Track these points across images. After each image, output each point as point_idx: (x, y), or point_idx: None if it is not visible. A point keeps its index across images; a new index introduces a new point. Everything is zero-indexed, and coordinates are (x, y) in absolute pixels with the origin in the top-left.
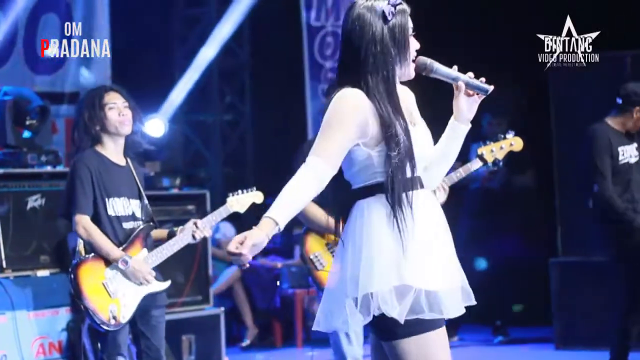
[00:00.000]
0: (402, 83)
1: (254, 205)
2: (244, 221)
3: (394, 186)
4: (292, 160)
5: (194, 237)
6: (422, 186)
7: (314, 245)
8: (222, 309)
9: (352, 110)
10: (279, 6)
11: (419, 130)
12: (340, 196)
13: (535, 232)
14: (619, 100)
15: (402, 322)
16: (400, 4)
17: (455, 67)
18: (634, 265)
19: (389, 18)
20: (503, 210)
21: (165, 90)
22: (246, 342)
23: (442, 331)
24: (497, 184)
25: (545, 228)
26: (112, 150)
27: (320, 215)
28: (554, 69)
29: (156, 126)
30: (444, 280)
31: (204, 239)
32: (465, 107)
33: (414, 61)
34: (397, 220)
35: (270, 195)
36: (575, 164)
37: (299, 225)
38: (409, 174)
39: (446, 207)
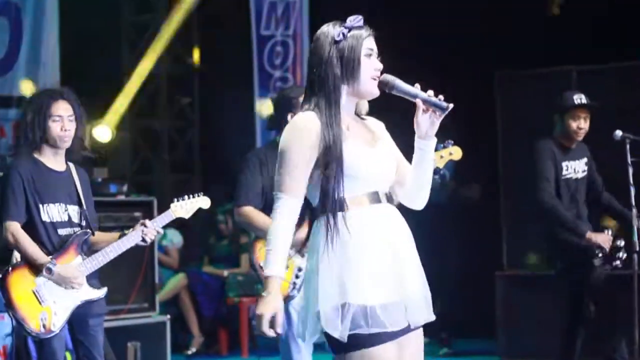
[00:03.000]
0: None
1: (199, 210)
2: (192, 229)
3: (326, 206)
4: (239, 169)
5: (144, 239)
6: (378, 201)
7: (263, 253)
8: (168, 316)
9: (304, 135)
10: (230, 14)
11: (379, 150)
12: (310, 211)
13: (480, 245)
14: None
15: (344, 340)
16: (357, 27)
17: (418, 85)
18: (577, 280)
19: (338, 39)
20: (449, 223)
21: (113, 96)
22: (192, 350)
23: (389, 346)
24: (444, 198)
25: (490, 241)
26: (50, 157)
27: (269, 223)
28: (500, 79)
29: (103, 132)
30: (386, 294)
31: (151, 246)
32: (425, 125)
33: (378, 78)
34: (328, 240)
35: (217, 201)
36: (520, 177)
37: (245, 234)
38: (355, 192)
39: None
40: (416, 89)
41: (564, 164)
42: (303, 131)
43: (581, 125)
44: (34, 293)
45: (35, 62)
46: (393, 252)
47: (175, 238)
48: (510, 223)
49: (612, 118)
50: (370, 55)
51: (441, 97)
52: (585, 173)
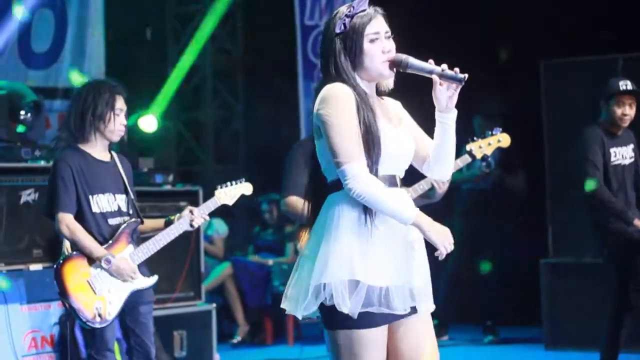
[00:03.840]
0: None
1: (243, 197)
2: (238, 219)
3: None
4: (285, 159)
5: (191, 224)
6: (394, 184)
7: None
8: (214, 305)
9: (347, 100)
10: (273, 5)
11: (402, 132)
12: (315, 188)
13: (526, 232)
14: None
15: (355, 316)
16: (360, 12)
17: (431, 60)
18: (624, 267)
19: (339, 31)
20: (494, 211)
21: (158, 86)
22: (237, 339)
23: (379, 331)
24: (489, 185)
25: (536, 229)
26: (97, 147)
27: None
28: (546, 68)
29: (149, 122)
30: (395, 278)
31: (197, 236)
32: (443, 98)
33: (390, 59)
34: (365, 216)
35: (261, 191)
36: (566, 165)
37: (290, 223)
38: (381, 172)
39: (438, 206)
40: (430, 64)
41: (611, 150)
42: (343, 96)
43: (626, 111)
44: (89, 283)
45: (81, 54)
46: (405, 237)
47: (221, 227)
48: (556, 210)
49: None
50: (376, 39)
51: (456, 69)
52: (633, 159)
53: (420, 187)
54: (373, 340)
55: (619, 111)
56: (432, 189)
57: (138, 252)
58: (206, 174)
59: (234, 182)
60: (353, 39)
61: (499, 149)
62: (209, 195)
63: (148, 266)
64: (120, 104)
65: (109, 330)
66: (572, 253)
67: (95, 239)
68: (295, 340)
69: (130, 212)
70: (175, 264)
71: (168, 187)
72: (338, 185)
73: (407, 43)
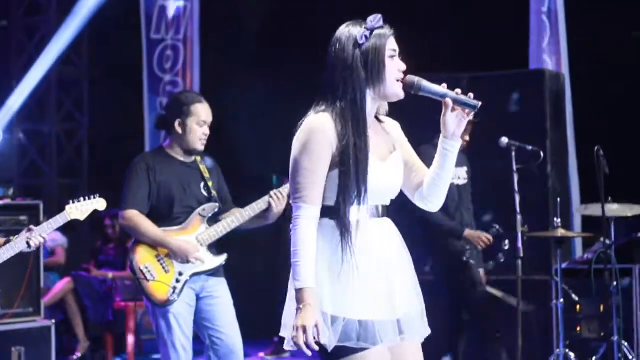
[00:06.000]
0: (393, 104)
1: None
2: (80, 233)
3: (344, 212)
4: (126, 174)
5: (28, 244)
6: (377, 215)
7: (144, 257)
8: (53, 321)
9: (321, 138)
10: (120, 18)
11: (389, 164)
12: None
13: None
14: None
15: (329, 348)
16: (379, 27)
17: (444, 84)
18: (456, 288)
19: (361, 42)
20: None
21: (1, 98)
22: (77, 355)
23: (373, 352)
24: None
25: None
26: None
27: (153, 230)
28: None
29: None
30: (376, 310)
31: (37, 250)
32: (452, 124)
33: (402, 81)
34: (342, 246)
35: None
36: None
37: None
38: (360, 203)
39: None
40: (444, 88)
41: None
42: (319, 135)
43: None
44: None
45: None
46: (386, 269)
47: (58, 236)
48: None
49: (499, 125)
50: (393, 56)
51: (471, 95)
52: (467, 181)
53: (258, 206)
54: (379, 355)
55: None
56: (268, 209)
57: None
58: (49, 187)
59: (87, 197)
60: (376, 52)
61: None
62: (50, 209)
63: None
64: None
65: None
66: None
67: None
68: (136, 356)
69: None
70: (14, 279)
71: (7, 201)
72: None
73: None
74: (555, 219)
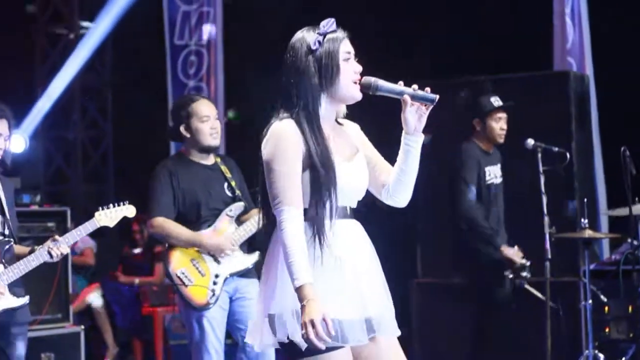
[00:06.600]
0: (351, 106)
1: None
2: (107, 238)
3: (317, 213)
4: (149, 181)
5: (50, 254)
6: (345, 216)
7: (180, 262)
8: (82, 327)
9: (290, 143)
10: (143, 24)
11: (355, 164)
12: (265, 218)
13: (396, 253)
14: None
15: (302, 347)
16: (332, 32)
17: (401, 82)
18: (486, 292)
19: (314, 48)
20: (366, 231)
21: (26, 106)
22: None
23: (342, 352)
24: (362, 205)
25: (406, 249)
26: None
27: (184, 232)
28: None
29: (17, 142)
30: (348, 310)
31: (65, 256)
32: (413, 120)
33: (359, 82)
34: (314, 246)
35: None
36: (436, 183)
37: (160, 243)
38: (331, 204)
39: None
40: (401, 85)
41: (486, 169)
42: (287, 139)
43: (503, 126)
44: None
45: None
46: (355, 269)
47: (86, 238)
48: (426, 230)
49: (524, 126)
50: (348, 59)
51: (427, 89)
52: (502, 179)
53: None
54: (345, 356)
55: (497, 127)
56: None
57: (8, 272)
58: (74, 194)
59: (116, 204)
60: (329, 56)
61: None
62: (76, 215)
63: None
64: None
65: None
66: (440, 273)
67: None
68: None
69: (6, 232)
70: (43, 285)
71: (35, 208)
72: None
73: None
74: (583, 220)
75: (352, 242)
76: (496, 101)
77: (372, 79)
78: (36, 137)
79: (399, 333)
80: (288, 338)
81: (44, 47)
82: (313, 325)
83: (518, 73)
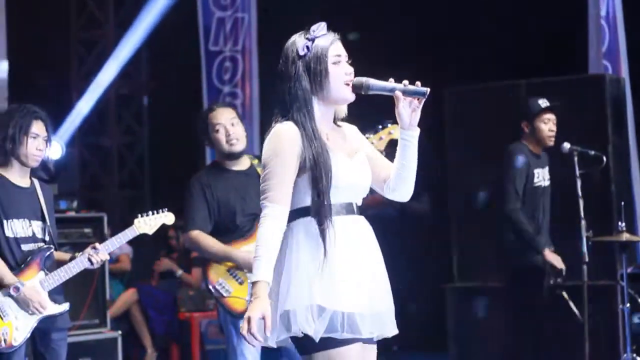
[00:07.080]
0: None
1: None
2: (143, 243)
3: (320, 210)
4: (184, 194)
5: (90, 261)
6: (351, 212)
7: (217, 273)
8: (119, 332)
9: (288, 145)
10: (178, 30)
11: (356, 161)
12: None
13: (431, 257)
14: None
15: (316, 339)
16: (321, 36)
17: (391, 79)
18: (526, 293)
19: (303, 53)
20: (399, 236)
21: (62, 113)
22: None
23: (355, 347)
24: (396, 211)
25: (441, 253)
26: (16, 173)
27: (216, 247)
28: (450, 91)
29: (54, 149)
30: (359, 303)
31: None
32: (407, 114)
33: (350, 84)
34: (323, 240)
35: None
36: (469, 188)
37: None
38: (334, 201)
39: None
40: (391, 82)
41: (535, 172)
42: (285, 141)
43: (552, 128)
44: None
45: None
46: (363, 264)
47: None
48: (460, 234)
49: (560, 130)
50: (338, 62)
51: (418, 83)
52: (549, 182)
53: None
54: (354, 354)
55: (545, 128)
56: None
57: (49, 278)
58: (111, 200)
59: (155, 211)
60: (318, 61)
61: None
62: (113, 221)
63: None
64: (36, 128)
65: (15, 356)
66: (476, 277)
67: (7, 262)
68: None
69: (46, 239)
70: (80, 291)
71: (72, 214)
72: (293, 214)
73: None
74: (620, 223)
75: (361, 237)
76: (544, 102)
77: (363, 79)
78: (72, 144)
79: (396, 332)
80: (302, 333)
81: (80, 54)
82: (248, 322)
83: (554, 77)
